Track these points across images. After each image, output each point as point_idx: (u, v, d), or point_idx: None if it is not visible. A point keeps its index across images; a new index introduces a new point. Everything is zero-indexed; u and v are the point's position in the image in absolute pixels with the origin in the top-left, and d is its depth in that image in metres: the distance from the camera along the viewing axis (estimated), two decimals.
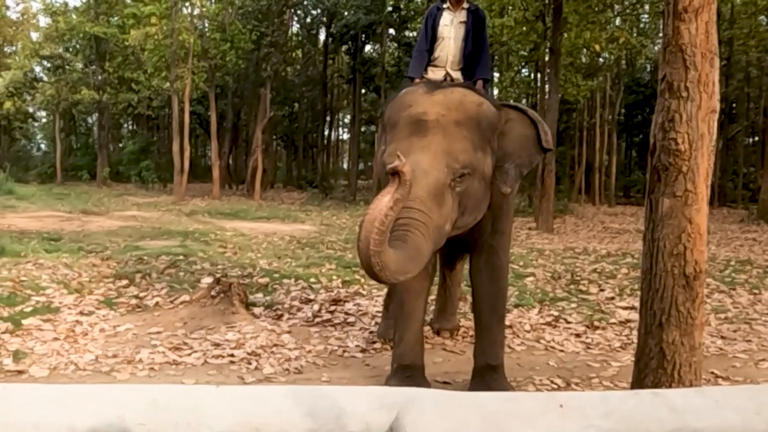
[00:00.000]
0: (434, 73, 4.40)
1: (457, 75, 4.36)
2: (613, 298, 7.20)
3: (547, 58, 17.09)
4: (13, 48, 32.34)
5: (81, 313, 5.84)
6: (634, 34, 23.53)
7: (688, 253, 3.22)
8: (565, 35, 15.84)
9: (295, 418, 2.29)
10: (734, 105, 28.77)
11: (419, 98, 3.90)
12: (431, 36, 4.50)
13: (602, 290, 7.60)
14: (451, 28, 4.46)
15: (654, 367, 3.32)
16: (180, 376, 4.46)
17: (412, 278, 4.03)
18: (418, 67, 4.47)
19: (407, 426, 2.21)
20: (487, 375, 4.23)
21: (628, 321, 6.16)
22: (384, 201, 2.99)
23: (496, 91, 24.24)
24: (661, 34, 3.64)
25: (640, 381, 3.40)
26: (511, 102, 4.14)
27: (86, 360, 4.68)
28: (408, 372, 4.18)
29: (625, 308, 6.68)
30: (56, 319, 5.60)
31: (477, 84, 4.27)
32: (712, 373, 4.81)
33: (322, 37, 30.90)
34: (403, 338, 4.24)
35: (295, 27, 31.51)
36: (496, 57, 22.45)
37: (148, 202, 19.34)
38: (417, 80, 4.40)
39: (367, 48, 29.95)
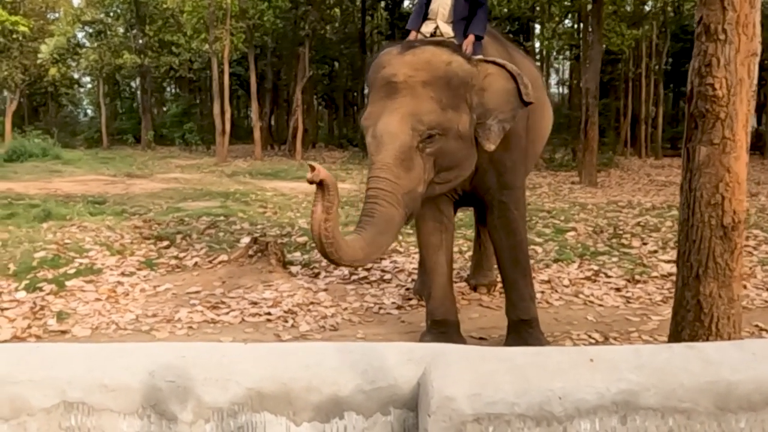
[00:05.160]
0: (427, 27, 4.29)
1: (446, 29, 4.21)
2: (656, 252, 7.06)
3: (590, 7, 16.62)
4: (56, 14, 32.62)
5: (122, 274, 5.97)
6: None
7: (726, 202, 3.12)
8: None
9: (323, 373, 2.30)
10: None
11: (392, 59, 3.85)
12: None
13: (645, 244, 7.45)
14: None
15: (691, 320, 3.25)
16: (217, 334, 4.53)
17: (428, 234, 4.22)
18: (415, 20, 4.38)
19: (435, 380, 2.20)
20: (522, 329, 4.21)
21: (671, 274, 6.03)
22: (317, 215, 3.07)
23: (537, 44, 23.68)
24: None
25: (676, 334, 3.34)
26: (491, 57, 4.01)
27: (127, 319, 4.79)
28: (442, 328, 4.19)
29: (668, 262, 6.54)
30: (98, 280, 5.73)
31: (468, 39, 4.12)
32: (757, 326, 4.72)
33: None
34: (431, 294, 4.27)
35: None
36: (537, 8, 21.93)
37: (190, 164, 19.54)
38: (413, 33, 4.31)
39: (406, 3, 29.52)
